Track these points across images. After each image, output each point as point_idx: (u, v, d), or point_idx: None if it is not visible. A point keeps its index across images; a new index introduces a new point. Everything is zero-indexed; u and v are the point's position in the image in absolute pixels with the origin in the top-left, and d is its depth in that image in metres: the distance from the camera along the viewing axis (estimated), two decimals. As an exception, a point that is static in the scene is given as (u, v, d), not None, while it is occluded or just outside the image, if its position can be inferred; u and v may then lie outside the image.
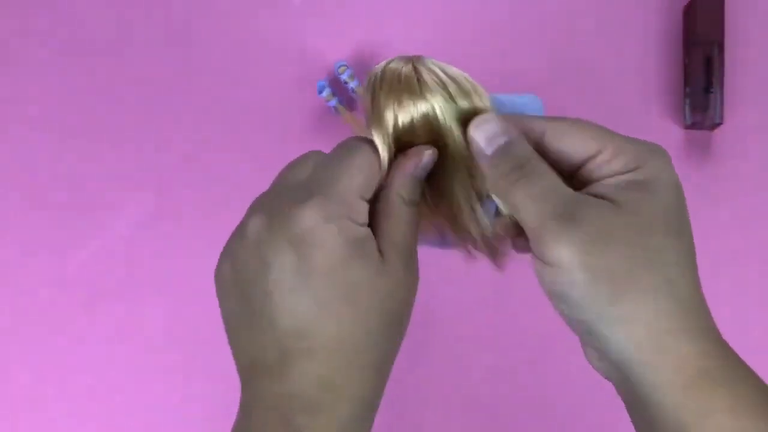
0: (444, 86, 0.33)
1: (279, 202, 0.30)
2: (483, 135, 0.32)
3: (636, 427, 0.32)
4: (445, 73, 0.34)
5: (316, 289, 0.29)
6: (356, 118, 0.64)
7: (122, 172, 0.67)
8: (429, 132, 0.33)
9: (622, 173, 0.31)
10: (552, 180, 0.31)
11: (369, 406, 0.31)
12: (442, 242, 0.36)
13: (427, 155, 0.33)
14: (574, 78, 0.67)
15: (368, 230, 0.31)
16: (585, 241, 0.29)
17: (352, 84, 0.65)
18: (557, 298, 0.30)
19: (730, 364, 0.30)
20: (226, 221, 0.67)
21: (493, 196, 0.34)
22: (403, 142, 0.33)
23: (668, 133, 0.67)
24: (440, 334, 0.65)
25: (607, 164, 0.31)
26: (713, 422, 0.28)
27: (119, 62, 0.68)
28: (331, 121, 0.67)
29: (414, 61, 0.34)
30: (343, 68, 0.65)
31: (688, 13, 0.67)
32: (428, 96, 0.33)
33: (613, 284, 0.29)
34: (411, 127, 0.33)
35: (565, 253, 0.29)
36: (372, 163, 0.32)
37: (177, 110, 0.68)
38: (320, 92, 0.65)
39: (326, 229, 0.29)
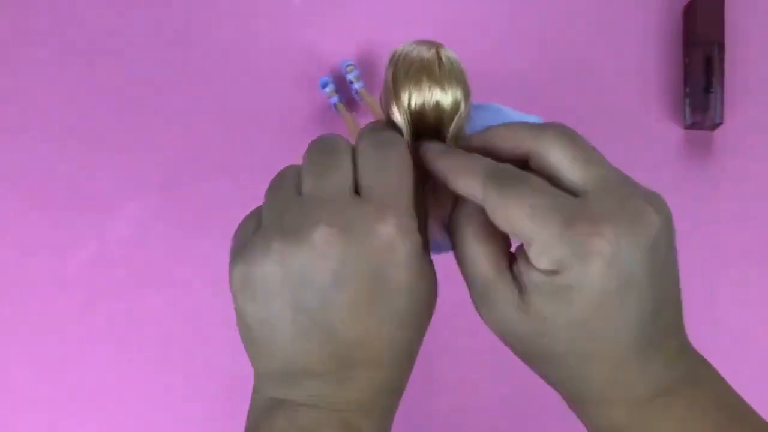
0: (459, 79, 0.34)
1: (351, 212, 0.29)
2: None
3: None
4: (460, 68, 0.34)
5: (390, 305, 0.29)
6: (355, 120, 0.64)
7: (122, 172, 0.67)
8: (434, 119, 0.34)
9: (543, 273, 0.28)
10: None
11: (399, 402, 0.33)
12: (439, 246, 0.36)
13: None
14: (574, 78, 0.67)
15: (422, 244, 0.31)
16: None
17: (357, 85, 0.65)
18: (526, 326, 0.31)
19: (685, 380, 0.30)
20: (226, 221, 0.67)
21: None
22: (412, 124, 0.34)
23: (668, 133, 0.67)
24: (439, 335, 0.65)
25: (533, 257, 0.28)
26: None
27: (119, 62, 0.68)
28: (331, 120, 0.67)
29: (437, 47, 0.34)
30: (350, 67, 0.65)
31: (688, 13, 0.67)
32: (445, 85, 0.33)
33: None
34: (421, 110, 0.33)
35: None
36: (410, 160, 0.31)
37: (177, 110, 0.68)
38: (323, 87, 0.65)
39: (404, 245, 0.29)
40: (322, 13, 0.68)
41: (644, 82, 0.67)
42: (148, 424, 0.65)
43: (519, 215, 0.28)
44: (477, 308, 0.32)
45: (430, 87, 0.33)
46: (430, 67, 0.33)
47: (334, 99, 0.65)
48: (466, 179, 0.30)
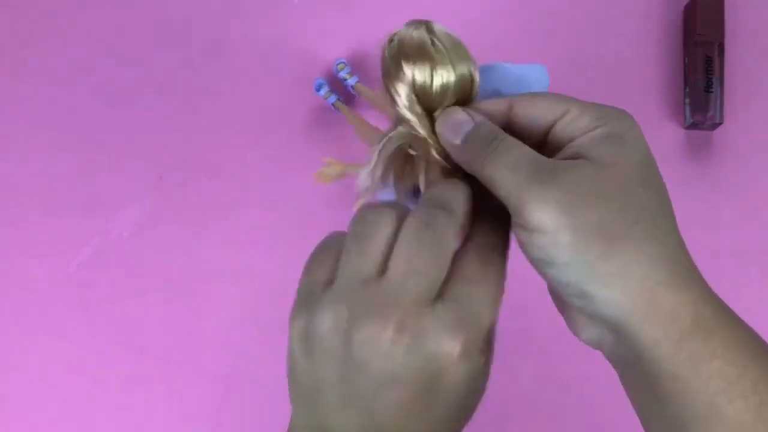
0: (451, 53, 0.34)
1: (428, 321, 0.28)
2: (449, 127, 0.33)
3: (628, 392, 0.32)
4: (451, 39, 0.35)
5: (435, 410, 0.29)
6: (356, 114, 0.64)
7: (122, 173, 0.67)
8: (440, 98, 0.34)
9: (592, 129, 0.31)
10: (523, 149, 0.31)
11: None
12: None
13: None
14: (574, 78, 0.67)
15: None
16: (568, 201, 0.29)
17: (350, 81, 0.65)
18: (544, 263, 0.30)
19: (720, 311, 0.30)
20: (226, 220, 0.68)
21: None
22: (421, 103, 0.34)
23: (668, 133, 0.67)
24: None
25: (574, 122, 0.31)
26: (707, 369, 0.28)
27: (119, 62, 0.68)
28: (331, 119, 0.67)
29: (426, 24, 0.35)
30: (342, 65, 0.65)
31: (688, 13, 0.67)
32: (445, 61, 0.33)
33: (601, 241, 0.29)
34: (425, 92, 0.33)
35: (549, 216, 0.29)
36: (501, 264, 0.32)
37: (177, 111, 0.68)
38: (317, 90, 0.65)
39: (467, 366, 0.28)
40: (322, 12, 0.68)
41: (644, 82, 0.67)
42: (147, 424, 0.65)
43: (549, 101, 0.33)
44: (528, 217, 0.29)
45: (430, 68, 0.33)
46: (423, 47, 0.33)
47: (332, 99, 0.65)
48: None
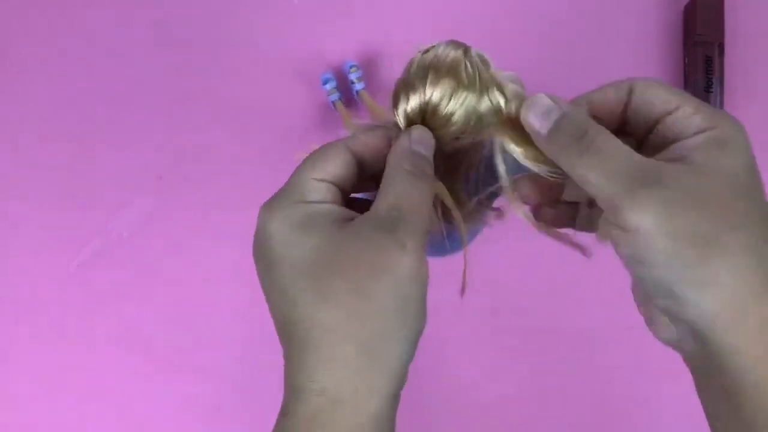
0: (480, 82, 0.34)
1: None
2: (536, 114, 0.32)
3: (705, 398, 0.32)
4: (485, 68, 0.34)
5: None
6: (352, 117, 0.64)
7: (122, 172, 0.67)
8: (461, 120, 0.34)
9: (702, 131, 0.30)
10: (619, 146, 0.30)
11: None
12: (442, 248, 0.36)
13: (415, 131, 0.34)
14: (574, 78, 0.67)
15: (322, 205, 0.32)
16: (667, 205, 0.28)
17: (358, 86, 0.65)
18: (635, 261, 0.30)
19: None
20: (226, 220, 0.68)
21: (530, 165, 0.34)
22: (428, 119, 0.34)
23: (668, 133, 0.67)
24: (438, 335, 0.65)
25: (686, 120, 0.31)
26: None
27: (119, 62, 0.68)
28: (331, 118, 0.67)
29: (465, 48, 0.34)
30: (354, 68, 0.65)
31: (688, 13, 0.67)
32: (468, 87, 0.33)
33: (698, 247, 0.28)
34: (438, 105, 0.34)
35: (647, 219, 0.28)
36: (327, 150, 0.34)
37: (177, 110, 0.68)
38: (324, 83, 0.65)
39: (266, 220, 0.33)
40: (322, 11, 0.68)
41: (644, 82, 0.67)
42: (147, 424, 0.65)
43: (667, 91, 0.32)
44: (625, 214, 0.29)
45: (453, 89, 0.33)
46: (456, 66, 0.33)
47: (334, 97, 0.65)
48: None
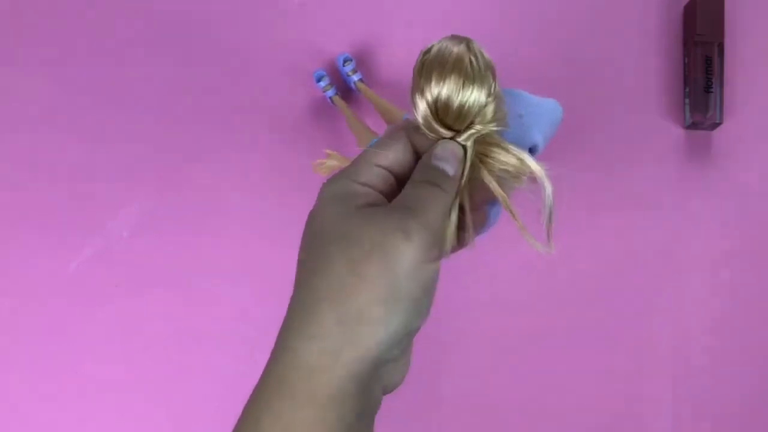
0: (484, 74, 0.34)
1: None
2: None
3: None
4: (485, 61, 0.34)
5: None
6: (354, 114, 0.64)
7: (122, 172, 0.67)
8: (460, 114, 0.34)
9: None
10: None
11: None
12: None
13: (438, 147, 0.35)
14: (574, 78, 0.67)
15: (364, 187, 0.34)
16: None
17: (354, 77, 0.65)
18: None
19: None
20: (226, 219, 0.67)
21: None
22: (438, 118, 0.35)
23: (668, 133, 0.67)
24: (437, 335, 0.65)
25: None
26: None
27: (119, 62, 0.68)
28: (330, 115, 0.67)
29: (467, 42, 0.34)
30: (348, 61, 0.65)
31: (688, 13, 0.67)
32: (476, 81, 0.34)
33: None
34: (448, 104, 0.34)
35: None
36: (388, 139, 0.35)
37: (176, 109, 0.68)
38: (318, 80, 0.65)
39: (323, 186, 0.34)
40: (321, 9, 0.68)
41: (644, 82, 0.68)
42: (147, 424, 0.65)
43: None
44: None
45: (462, 83, 0.34)
46: (460, 62, 0.34)
47: (330, 93, 0.65)
48: None
